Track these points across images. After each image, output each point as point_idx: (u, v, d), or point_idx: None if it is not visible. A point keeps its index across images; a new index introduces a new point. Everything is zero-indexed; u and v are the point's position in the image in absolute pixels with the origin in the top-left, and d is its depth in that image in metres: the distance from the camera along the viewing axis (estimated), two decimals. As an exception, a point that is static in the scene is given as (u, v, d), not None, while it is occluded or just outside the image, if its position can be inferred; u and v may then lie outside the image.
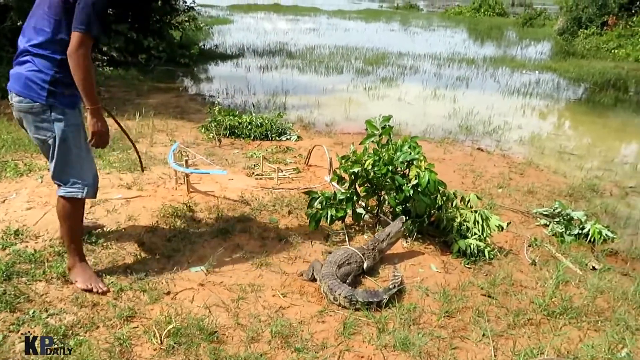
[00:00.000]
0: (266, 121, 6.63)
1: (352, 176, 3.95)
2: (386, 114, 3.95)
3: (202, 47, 14.35)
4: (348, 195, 3.96)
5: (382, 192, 4.06)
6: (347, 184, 4.03)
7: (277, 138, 6.53)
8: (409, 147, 3.76)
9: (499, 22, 29.66)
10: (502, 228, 3.98)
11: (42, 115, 2.70)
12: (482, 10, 33.48)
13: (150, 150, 5.50)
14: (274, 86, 10.14)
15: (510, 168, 6.08)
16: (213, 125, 6.43)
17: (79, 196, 2.86)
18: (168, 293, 3.07)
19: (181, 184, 4.46)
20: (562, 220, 4.54)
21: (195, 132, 6.57)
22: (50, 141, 2.75)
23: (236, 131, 6.51)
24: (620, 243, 4.37)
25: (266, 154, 5.78)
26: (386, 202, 4.11)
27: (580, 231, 4.42)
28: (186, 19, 13.31)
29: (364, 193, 4.01)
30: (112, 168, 4.80)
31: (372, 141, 3.89)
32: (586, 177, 5.94)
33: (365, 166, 3.81)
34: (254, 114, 6.85)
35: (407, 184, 3.71)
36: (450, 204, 4.05)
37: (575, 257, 4.05)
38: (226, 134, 6.47)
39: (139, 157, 3.68)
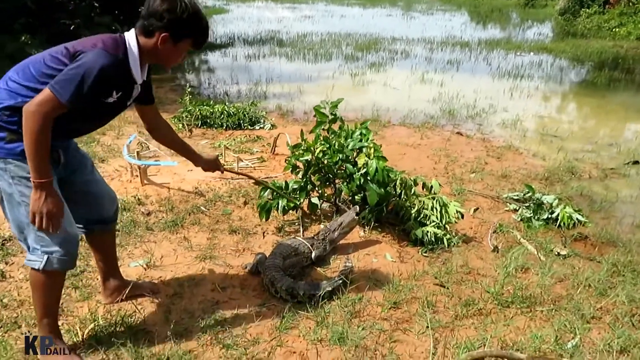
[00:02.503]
0: (239, 110, 6.49)
1: (306, 165, 3.82)
2: (335, 99, 3.80)
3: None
4: (302, 184, 3.83)
5: (338, 181, 3.93)
6: (301, 173, 3.90)
7: (250, 127, 6.39)
8: (360, 134, 3.61)
9: (500, 3, 29.13)
10: (462, 215, 3.83)
11: None
12: (484, -8, 32.87)
13: (115, 143, 5.39)
14: (258, 75, 9.98)
15: (487, 152, 5.89)
16: (184, 115, 6.30)
17: (37, 267, 2.21)
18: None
19: (136, 176, 4.35)
20: (531, 205, 4.38)
21: (167, 123, 6.44)
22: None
23: (208, 121, 6.39)
24: (592, 227, 4.19)
25: (235, 144, 5.66)
26: (342, 191, 3.97)
27: (549, 215, 4.26)
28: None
29: (319, 182, 3.86)
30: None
31: (323, 128, 3.74)
32: (566, 159, 5.74)
33: (316, 154, 3.67)
34: (227, 103, 6.70)
35: (357, 172, 3.56)
36: (409, 191, 3.90)
37: (541, 242, 3.89)
38: (198, 124, 6.35)
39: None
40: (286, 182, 3.78)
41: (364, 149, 3.53)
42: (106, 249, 2.82)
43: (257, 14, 22.49)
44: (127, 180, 4.37)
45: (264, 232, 3.78)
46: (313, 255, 3.39)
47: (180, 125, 6.18)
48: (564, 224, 4.16)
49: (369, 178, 3.49)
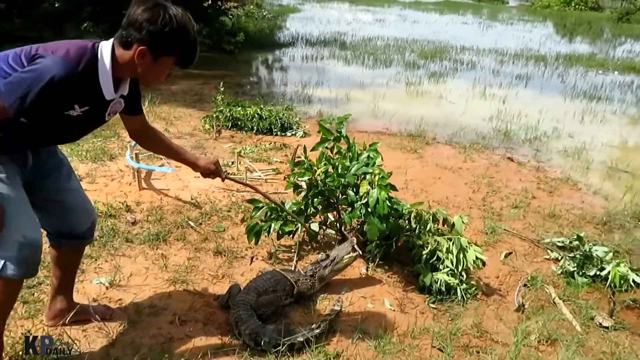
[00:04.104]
0: (272, 114, 6.14)
1: (308, 185, 3.37)
2: (342, 115, 3.32)
3: (255, 34, 14.11)
4: (301, 207, 3.39)
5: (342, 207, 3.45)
6: (303, 194, 3.45)
7: (280, 133, 6.02)
8: (368, 157, 3.11)
9: (590, 16, 27.04)
10: (483, 262, 3.22)
11: None
12: (573, 4, 30.79)
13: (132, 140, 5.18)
14: (308, 77, 9.60)
15: (538, 184, 5.15)
16: (215, 116, 6.03)
17: None
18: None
19: (141, 178, 4.09)
20: (577, 255, 3.67)
21: (197, 122, 6.23)
22: None
23: (239, 123, 6.09)
24: (651, 293, 3.44)
25: (257, 150, 5.31)
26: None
27: (598, 272, 3.54)
28: (235, 5, 13.06)
29: (320, 206, 3.40)
30: (76, 156, 4.52)
31: (326, 147, 3.28)
32: (633, 201, 4.88)
33: (316, 175, 3.22)
34: (262, 106, 6.36)
35: (358, 201, 3.07)
36: (424, 227, 3.35)
37: (581, 306, 3.21)
38: (228, 125, 6.07)
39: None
40: (283, 202, 3.35)
41: (368, 176, 3.02)
42: (68, 267, 2.53)
43: (328, 15, 22.18)
44: (127, 182, 4.13)
45: (252, 258, 3.37)
46: (295, 292, 2.94)
47: (207, 126, 5.92)
48: (614, 285, 3.42)
49: (370, 210, 2.99)
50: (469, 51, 13.80)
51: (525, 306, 3.16)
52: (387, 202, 2.95)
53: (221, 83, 6.07)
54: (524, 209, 4.50)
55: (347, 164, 3.15)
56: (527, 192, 4.87)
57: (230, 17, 13.18)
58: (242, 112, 6.13)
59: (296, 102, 7.86)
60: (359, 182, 3.13)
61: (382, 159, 3.18)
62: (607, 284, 3.44)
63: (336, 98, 8.25)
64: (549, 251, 3.86)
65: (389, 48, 13.67)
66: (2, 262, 1.97)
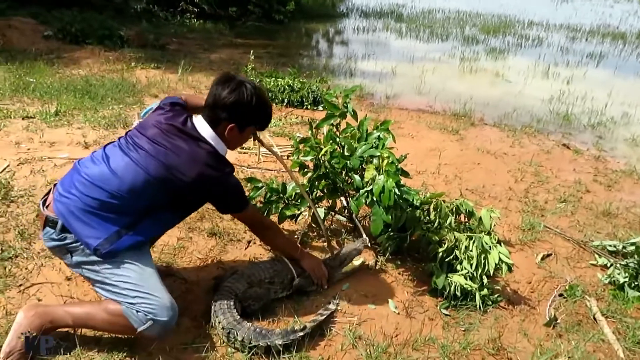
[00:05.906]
0: (304, 86, 5.76)
1: (314, 166, 3.00)
2: (351, 86, 2.90)
3: (308, 4, 13.66)
4: (306, 189, 3.03)
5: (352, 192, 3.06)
6: (309, 174, 3.08)
7: (312, 107, 5.66)
8: (378, 138, 2.69)
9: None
10: (510, 268, 2.75)
11: None
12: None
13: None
14: (356, 49, 9.13)
15: (595, 176, 4.51)
16: (245, 86, 5.73)
17: (135, 326, 2.06)
18: (20, 285, 2.50)
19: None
20: (631, 264, 3.11)
21: (227, 92, 5.96)
22: None
23: (270, 95, 5.77)
24: None
25: (282, 125, 4.97)
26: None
27: (654, 286, 2.98)
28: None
29: (325, 190, 3.02)
30: (89, 123, 4.37)
31: (332, 124, 2.88)
32: None
33: (320, 155, 2.84)
34: (295, 77, 5.99)
35: (364, 187, 2.67)
36: (444, 221, 2.91)
37: (628, 325, 2.69)
38: (259, 97, 5.75)
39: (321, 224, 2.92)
40: (284, 183, 3.00)
41: (375, 159, 2.61)
42: None
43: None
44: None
45: (249, 242, 3.07)
46: (294, 286, 2.61)
47: (235, 96, 5.63)
48: (673, 302, 2.87)
49: (375, 198, 2.58)
50: (537, 26, 12.72)
51: (558, 320, 2.68)
52: (396, 190, 2.53)
53: (251, 52, 5.74)
54: (573, 204, 3.92)
55: (355, 144, 2.75)
56: (580, 185, 4.26)
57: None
58: (273, 83, 5.80)
59: (338, 75, 7.45)
60: (365, 165, 2.73)
61: (394, 140, 2.75)
62: (664, 301, 2.89)
63: (381, 72, 7.74)
64: (596, 256, 3.31)
65: (448, 21, 12.84)
66: (151, 321, 2.04)
